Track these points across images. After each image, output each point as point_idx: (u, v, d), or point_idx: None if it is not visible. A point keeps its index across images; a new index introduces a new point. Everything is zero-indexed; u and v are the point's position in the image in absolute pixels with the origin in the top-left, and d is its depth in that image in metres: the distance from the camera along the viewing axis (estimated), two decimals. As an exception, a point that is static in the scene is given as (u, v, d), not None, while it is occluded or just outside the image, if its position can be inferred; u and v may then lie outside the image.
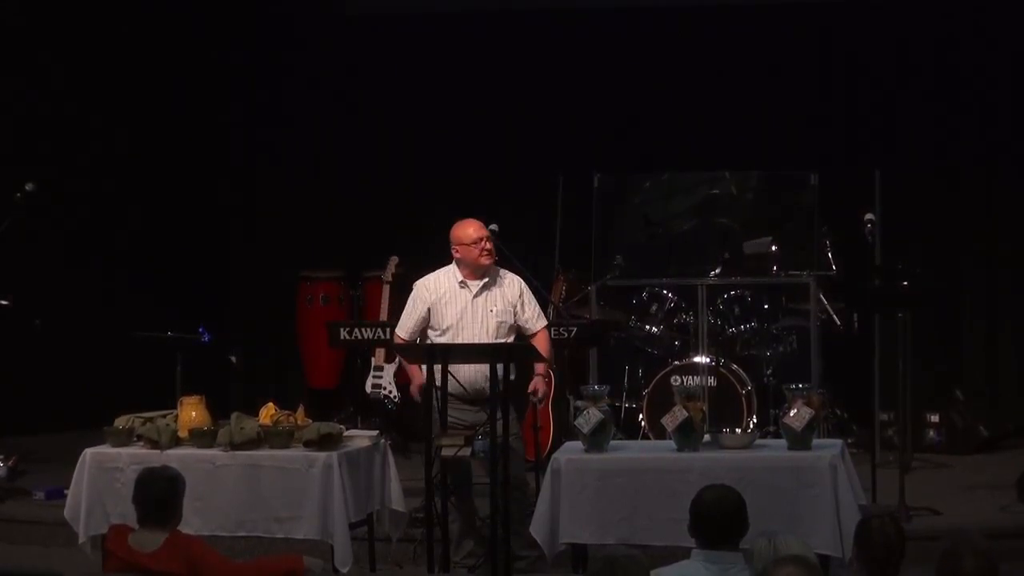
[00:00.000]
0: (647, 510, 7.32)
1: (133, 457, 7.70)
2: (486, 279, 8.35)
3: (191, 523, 7.15)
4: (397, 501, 8.00)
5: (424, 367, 7.98)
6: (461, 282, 8.33)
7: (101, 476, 7.76)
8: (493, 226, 9.35)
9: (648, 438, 9.95)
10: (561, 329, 9.15)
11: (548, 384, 8.57)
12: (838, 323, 10.76)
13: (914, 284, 9.55)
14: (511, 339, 8.33)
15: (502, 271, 8.46)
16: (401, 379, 11.11)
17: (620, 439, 8.78)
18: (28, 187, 10.15)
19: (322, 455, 7.52)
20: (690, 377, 10.33)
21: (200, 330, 9.82)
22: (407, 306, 8.46)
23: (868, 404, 10.02)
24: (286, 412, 7.90)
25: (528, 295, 8.46)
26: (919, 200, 11.71)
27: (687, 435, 7.47)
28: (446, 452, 7.88)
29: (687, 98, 11.81)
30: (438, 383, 7.92)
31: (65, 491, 8.06)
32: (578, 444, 7.66)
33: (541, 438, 9.47)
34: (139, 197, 12.24)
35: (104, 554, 6.66)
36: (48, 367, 11.67)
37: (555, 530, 7.48)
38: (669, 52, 11.90)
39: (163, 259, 12.20)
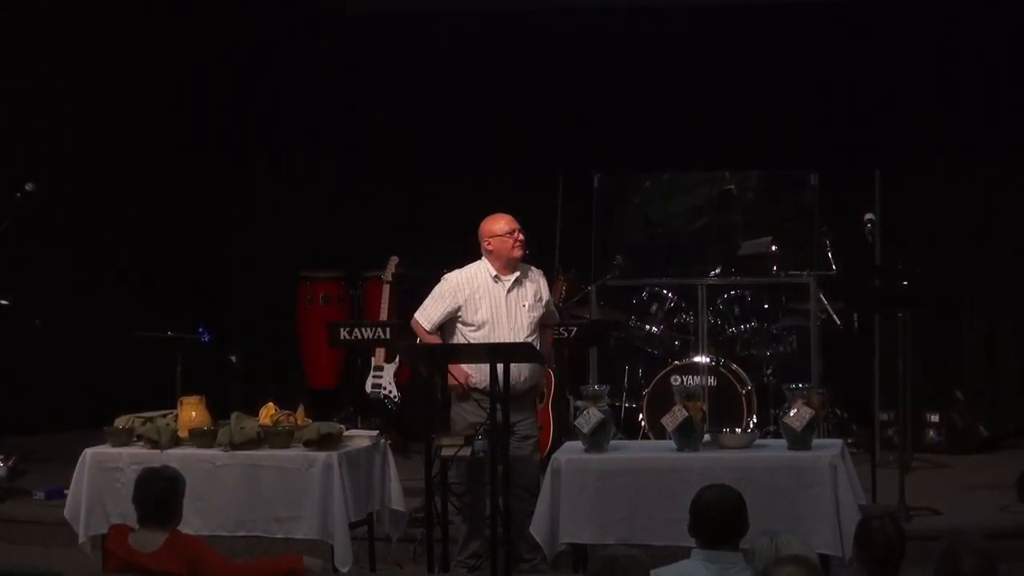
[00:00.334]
0: (647, 510, 7.32)
1: (133, 457, 7.70)
2: (517, 273, 8.38)
3: (191, 523, 7.15)
4: (397, 501, 8.00)
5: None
6: (495, 277, 8.34)
7: (101, 476, 7.76)
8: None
9: (648, 438, 9.95)
10: (561, 329, 9.15)
11: (548, 383, 8.58)
12: (838, 323, 10.76)
13: (914, 284, 9.55)
14: (538, 334, 8.36)
15: (524, 264, 8.48)
16: (402, 379, 11.13)
17: (620, 439, 8.79)
18: (28, 187, 10.16)
19: (322, 455, 7.52)
20: (690, 377, 10.32)
21: (200, 330, 9.82)
22: (435, 296, 8.37)
23: (868, 404, 10.02)
24: (286, 412, 7.90)
25: (547, 287, 8.54)
26: (919, 200, 11.71)
27: (687, 435, 7.47)
28: (446, 452, 7.88)
29: (687, 98, 11.81)
30: (480, 386, 8.03)
31: (65, 491, 8.06)
32: (578, 444, 7.66)
33: (541, 438, 9.47)
34: (139, 197, 12.23)
35: (104, 554, 6.66)
36: (48, 367, 11.67)
37: (555, 530, 7.48)
38: (669, 52, 11.90)
39: (163, 259, 12.20)
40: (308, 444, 7.60)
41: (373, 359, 11.17)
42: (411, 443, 10.68)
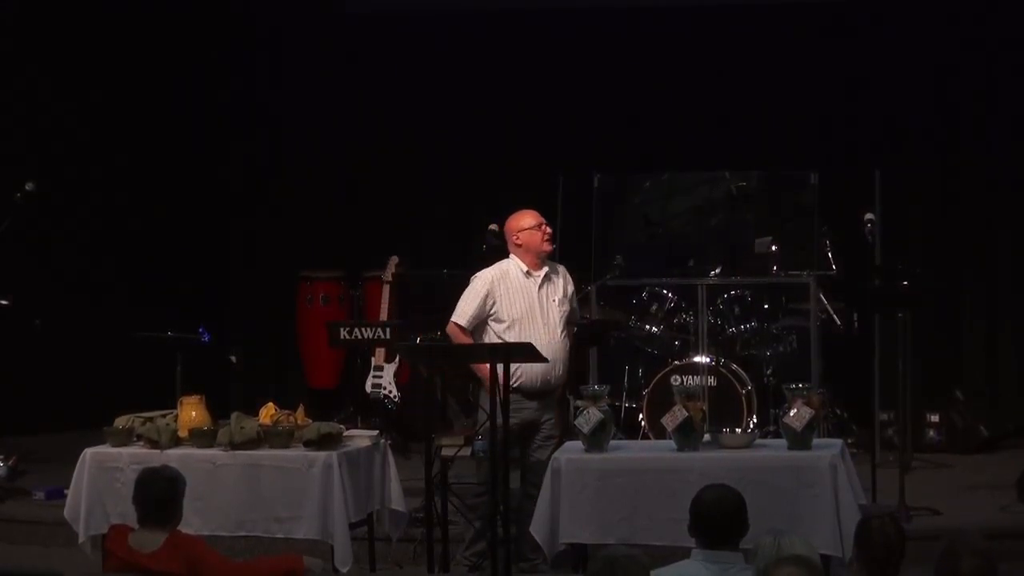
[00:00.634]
0: (647, 510, 7.32)
1: (133, 457, 7.69)
2: (546, 268, 8.41)
3: (191, 523, 7.15)
4: (397, 501, 8.00)
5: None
6: (526, 272, 8.37)
7: (101, 476, 7.76)
8: (493, 226, 9.36)
9: (648, 438, 9.95)
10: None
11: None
12: (838, 323, 10.76)
13: (914, 284, 9.55)
14: (567, 330, 8.42)
15: (551, 261, 8.52)
16: (402, 379, 11.13)
17: (620, 439, 8.78)
18: (28, 187, 10.15)
19: (322, 455, 7.52)
20: (690, 377, 10.31)
21: (200, 330, 9.82)
22: (469, 294, 8.35)
23: (868, 404, 10.02)
24: (286, 412, 7.90)
25: (572, 285, 8.60)
26: (919, 200, 11.72)
27: (687, 435, 7.47)
28: (446, 452, 7.88)
29: (687, 98, 11.81)
30: (512, 384, 8.01)
31: (65, 491, 8.06)
32: (578, 444, 7.66)
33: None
34: (139, 197, 12.23)
35: (104, 554, 6.66)
36: (48, 367, 11.67)
37: (555, 530, 7.47)
38: (669, 52, 11.90)
39: (163, 259, 12.20)
40: (308, 444, 7.60)
41: (373, 359, 11.17)
42: (411, 443, 10.68)
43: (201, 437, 7.73)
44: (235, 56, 12.65)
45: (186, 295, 11.88)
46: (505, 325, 8.29)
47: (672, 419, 7.47)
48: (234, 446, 7.64)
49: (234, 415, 7.90)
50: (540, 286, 8.37)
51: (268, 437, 7.68)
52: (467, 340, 8.29)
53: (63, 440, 10.40)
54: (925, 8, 11.72)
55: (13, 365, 11.32)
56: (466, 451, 7.93)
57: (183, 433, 7.81)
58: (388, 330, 9.05)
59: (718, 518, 5.73)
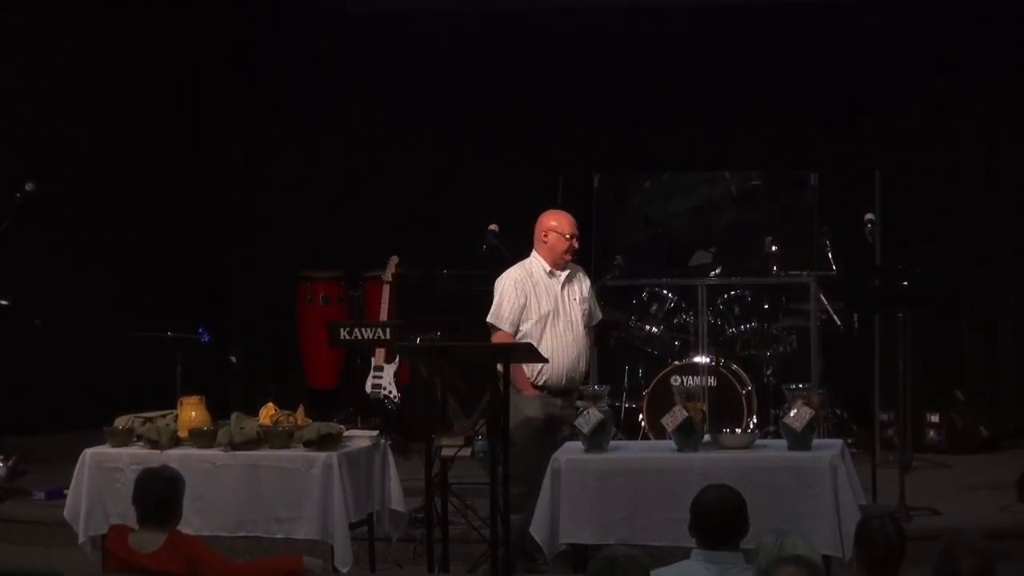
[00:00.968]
0: (647, 510, 7.32)
1: (133, 457, 7.70)
2: (568, 270, 8.53)
3: (191, 523, 7.15)
4: (397, 501, 8.00)
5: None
6: (549, 272, 8.45)
7: (101, 476, 7.76)
8: (493, 226, 9.37)
9: (648, 438, 9.95)
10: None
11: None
12: (838, 323, 10.76)
13: (914, 284, 9.54)
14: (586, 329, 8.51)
15: (572, 264, 8.60)
16: (402, 379, 11.13)
17: (620, 439, 8.79)
18: (28, 187, 10.15)
19: (322, 455, 7.52)
20: (690, 377, 10.32)
21: (200, 330, 9.82)
22: (504, 298, 8.40)
23: (868, 404, 10.02)
24: (286, 412, 7.90)
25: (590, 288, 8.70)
26: (919, 200, 11.72)
27: (687, 435, 7.47)
28: (446, 452, 7.88)
29: (687, 98, 11.81)
30: (538, 382, 8.17)
31: (65, 491, 8.06)
32: (578, 444, 7.66)
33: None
34: (139, 197, 12.23)
35: (104, 554, 6.66)
36: (48, 367, 11.67)
37: (555, 530, 7.47)
38: (669, 52, 11.90)
39: (163, 259, 12.20)
40: (308, 444, 7.60)
41: (373, 359, 11.17)
42: (411, 443, 10.68)
43: (201, 437, 7.73)
44: (235, 56, 12.65)
45: (186, 295, 11.87)
46: (532, 323, 8.35)
47: (672, 419, 7.47)
48: (234, 446, 7.64)
49: (234, 415, 7.90)
50: (563, 286, 8.46)
51: (268, 437, 7.68)
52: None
53: (63, 440, 10.39)
54: (925, 8, 11.71)
55: (13, 365, 11.32)
56: (466, 451, 7.93)
57: (183, 433, 7.81)
58: (388, 330, 9.05)
59: (718, 518, 5.73)
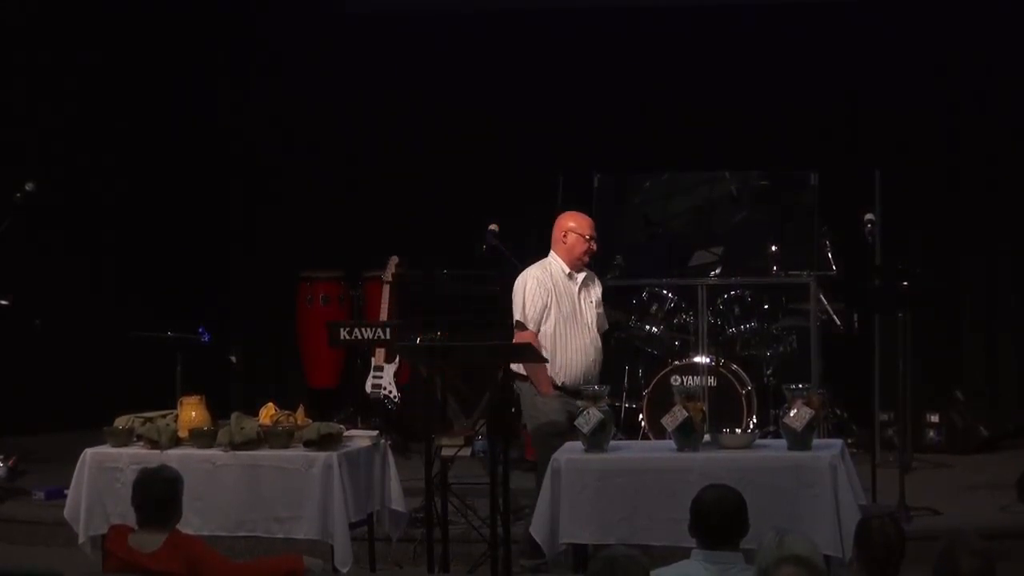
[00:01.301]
0: (647, 510, 7.31)
1: (133, 457, 7.69)
2: (584, 273, 8.58)
3: (191, 523, 7.15)
4: (397, 501, 8.00)
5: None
6: (568, 274, 8.50)
7: (101, 476, 7.75)
8: (493, 226, 9.37)
9: (648, 438, 9.95)
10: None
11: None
12: (838, 323, 10.76)
13: (914, 284, 9.55)
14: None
15: (587, 269, 8.65)
16: (402, 379, 11.13)
17: (620, 439, 8.79)
18: (28, 187, 10.16)
19: (322, 455, 7.52)
20: (690, 377, 10.33)
21: (200, 330, 9.82)
22: (526, 298, 8.43)
23: (868, 404, 10.02)
24: (286, 412, 7.89)
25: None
26: (919, 200, 11.72)
27: (687, 435, 7.47)
28: (446, 452, 7.89)
29: (687, 98, 11.81)
30: (556, 382, 8.20)
31: (65, 491, 8.05)
32: (578, 444, 7.66)
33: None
34: (139, 197, 12.24)
35: (104, 554, 6.66)
36: (48, 367, 11.67)
37: (555, 530, 7.47)
38: (669, 52, 11.90)
39: (163, 259, 12.20)
40: (308, 444, 7.59)
41: (373, 359, 11.17)
42: (411, 443, 10.68)
43: (201, 437, 7.73)
44: (235, 56, 12.65)
45: (186, 295, 11.88)
46: (552, 323, 8.39)
47: (672, 419, 7.47)
48: (234, 446, 7.64)
49: (234, 415, 7.90)
50: (579, 289, 8.52)
51: (268, 437, 7.68)
52: (538, 344, 8.37)
53: (63, 440, 10.39)
54: (925, 8, 11.71)
55: (13, 365, 11.32)
56: (466, 451, 7.93)
57: (183, 433, 7.80)
58: (388, 330, 9.05)
59: (718, 518, 5.73)
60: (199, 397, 7.97)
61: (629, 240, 11.17)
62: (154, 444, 7.74)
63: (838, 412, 10.65)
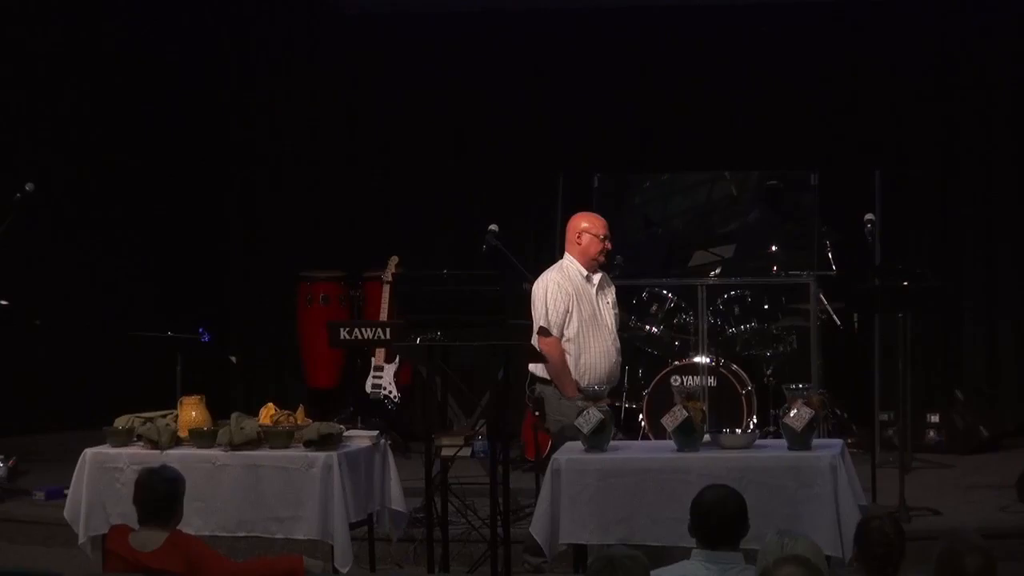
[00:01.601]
0: (647, 510, 7.31)
1: (133, 457, 7.69)
2: (600, 275, 8.60)
3: (191, 523, 7.14)
4: (397, 501, 8.00)
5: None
6: (586, 276, 8.51)
7: (101, 476, 7.75)
8: (493, 226, 9.36)
9: (648, 438, 9.95)
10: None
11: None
12: (838, 323, 10.76)
13: (914, 284, 9.55)
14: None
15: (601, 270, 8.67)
16: (402, 379, 11.13)
17: (620, 439, 8.78)
18: (28, 187, 10.15)
19: (322, 455, 7.52)
20: (690, 377, 10.33)
21: (200, 330, 9.82)
22: (548, 304, 8.43)
23: (868, 404, 10.02)
24: (286, 412, 7.89)
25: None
26: (919, 200, 11.72)
27: (687, 435, 7.47)
28: (446, 452, 7.89)
29: (687, 98, 11.81)
30: (583, 385, 8.17)
31: (65, 491, 8.05)
32: (578, 444, 7.66)
33: (541, 438, 9.47)
34: (139, 197, 12.24)
35: (104, 554, 6.66)
36: (48, 367, 11.67)
37: (555, 530, 7.47)
38: (669, 52, 11.90)
39: (163, 259, 12.20)
40: (308, 444, 7.59)
41: (373, 359, 11.18)
42: (411, 443, 10.68)
43: (201, 437, 7.73)
44: (234, 56, 12.65)
45: (186, 295, 11.88)
46: (575, 327, 8.41)
47: (672, 419, 7.47)
48: (234, 446, 7.63)
49: (234, 415, 7.89)
50: (597, 290, 8.53)
51: (268, 437, 7.68)
52: (564, 355, 8.38)
53: (63, 440, 10.40)
54: (925, 8, 11.71)
55: (13, 365, 11.32)
56: (466, 451, 7.93)
57: (183, 433, 7.80)
58: (388, 330, 9.05)
59: (718, 518, 5.73)
60: (199, 397, 7.97)
61: (629, 240, 11.17)
62: (154, 444, 7.74)
63: (838, 412, 10.64)
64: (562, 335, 8.42)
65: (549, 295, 8.44)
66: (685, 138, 11.76)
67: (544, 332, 8.41)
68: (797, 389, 7.54)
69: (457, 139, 12.09)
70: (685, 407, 7.47)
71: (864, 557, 5.44)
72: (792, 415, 7.41)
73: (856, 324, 10.74)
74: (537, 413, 8.60)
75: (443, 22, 12.27)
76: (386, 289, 11.15)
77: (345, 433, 7.82)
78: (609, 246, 8.61)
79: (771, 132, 11.65)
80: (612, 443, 7.68)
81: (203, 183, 12.53)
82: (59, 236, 11.91)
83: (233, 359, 11.34)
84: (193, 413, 7.89)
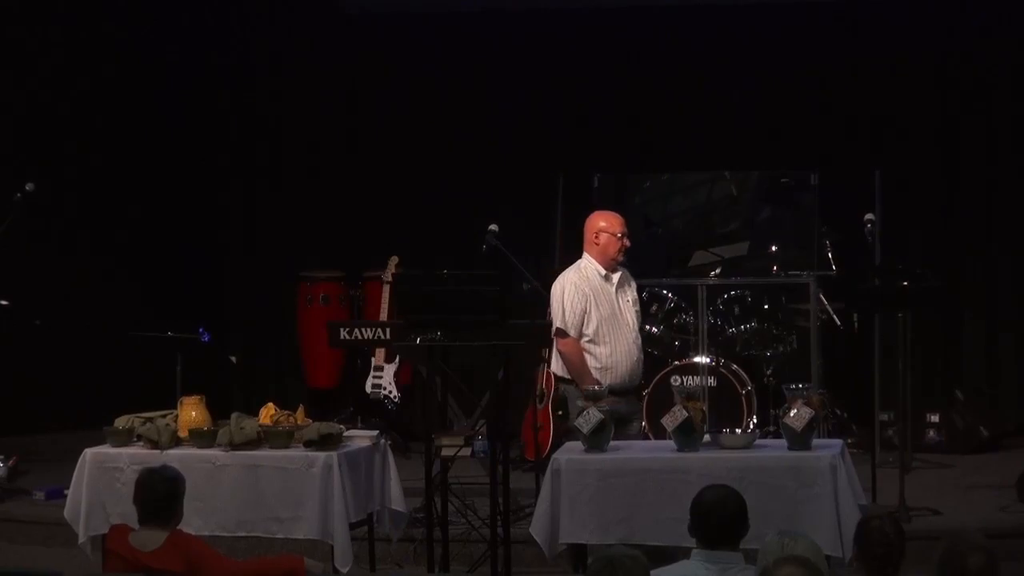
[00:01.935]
0: (647, 510, 7.31)
1: (133, 457, 7.69)
2: (620, 272, 8.58)
3: (191, 523, 7.14)
4: (397, 501, 8.00)
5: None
6: (604, 275, 8.50)
7: (101, 476, 7.75)
8: (493, 226, 9.36)
9: (648, 438, 9.95)
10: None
11: (548, 383, 8.61)
12: (838, 323, 10.76)
13: (914, 284, 9.55)
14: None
15: (621, 266, 8.65)
16: (402, 379, 11.13)
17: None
18: (28, 187, 10.16)
19: (322, 455, 7.52)
20: (690, 377, 10.34)
21: (200, 330, 9.82)
22: (565, 305, 8.44)
23: (868, 404, 10.02)
24: (286, 412, 7.89)
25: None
26: (919, 200, 11.72)
27: (687, 435, 7.47)
28: (446, 452, 7.89)
29: (687, 98, 11.81)
30: (604, 384, 8.12)
31: (65, 491, 8.05)
32: (578, 444, 7.66)
33: (541, 438, 9.47)
34: (139, 197, 12.23)
35: (104, 554, 6.66)
36: (48, 367, 11.66)
37: (555, 530, 7.47)
38: (669, 52, 11.90)
39: (163, 259, 12.20)
40: (308, 444, 7.59)
41: (373, 359, 11.17)
42: (411, 443, 10.68)
43: (201, 437, 7.73)
44: (234, 56, 12.65)
45: (186, 295, 11.88)
46: (594, 327, 8.41)
47: (672, 419, 7.47)
48: (234, 446, 7.64)
49: (234, 415, 7.90)
50: (616, 289, 8.52)
51: (268, 437, 7.68)
52: (582, 354, 8.37)
53: (63, 440, 10.40)
54: (925, 7, 11.71)
55: (13, 365, 11.31)
56: (466, 451, 7.93)
57: (183, 433, 7.80)
58: (388, 330, 9.05)
59: (718, 518, 5.72)
60: (199, 397, 7.97)
61: (629, 240, 11.16)
62: (154, 444, 7.74)
63: (838, 412, 10.65)
64: (581, 335, 8.42)
65: (566, 296, 8.44)
66: (685, 138, 11.76)
67: (561, 333, 8.41)
68: (797, 389, 7.54)
69: (457, 139, 12.08)
70: (685, 407, 7.47)
71: (864, 557, 5.44)
72: (792, 415, 7.41)
73: (856, 324, 10.74)
74: (560, 412, 8.61)
75: (443, 22, 12.27)
76: (386, 289, 11.14)
77: (345, 433, 7.82)
78: (627, 243, 8.57)
79: (771, 132, 11.65)
80: (612, 443, 7.68)
81: (203, 183, 12.53)
82: (59, 236, 11.90)
83: (233, 359, 11.34)
84: (193, 413, 7.89)
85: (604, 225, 8.54)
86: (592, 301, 8.43)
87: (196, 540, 6.68)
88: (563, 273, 8.60)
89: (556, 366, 8.57)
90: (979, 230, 11.81)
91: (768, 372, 10.72)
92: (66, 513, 7.89)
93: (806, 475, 7.24)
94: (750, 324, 10.79)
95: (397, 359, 11.11)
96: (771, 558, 5.14)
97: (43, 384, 11.65)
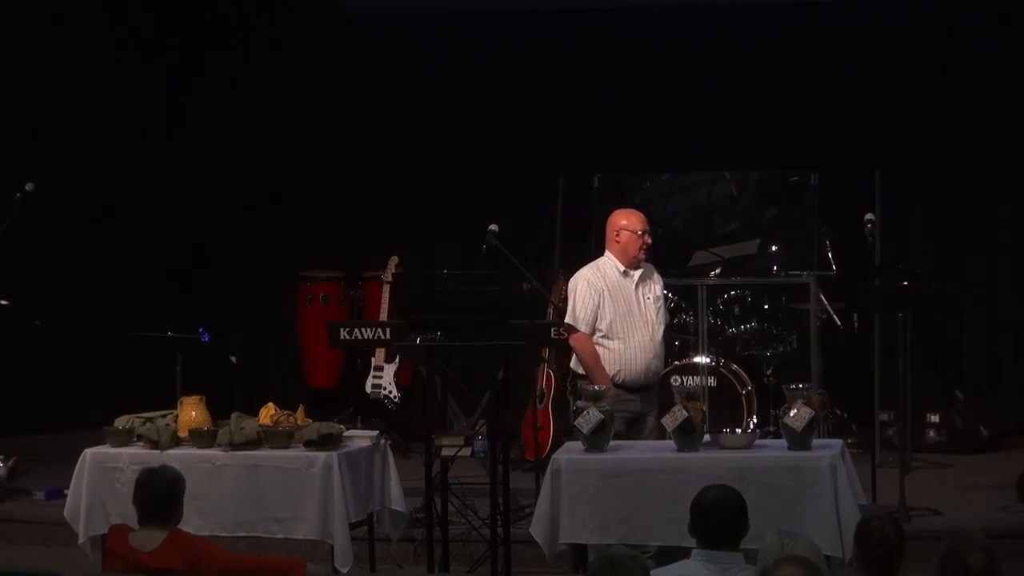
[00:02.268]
0: (647, 510, 7.31)
1: (133, 457, 7.69)
2: (641, 269, 8.57)
3: (191, 523, 7.14)
4: (397, 501, 8.00)
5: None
6: (624, 272, 8.48)
7: (101, 476, 7.75)
8: (493, 226, 9.35)
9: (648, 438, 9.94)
10: (561, 330, 9.16)
11: (548, 383, 8.61)
12: (838, 323, 10.76)
13: (914, 284, 9.55)
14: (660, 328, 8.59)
15: (646, 263, 8.65)
16: (402, 379, 11.12)
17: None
18: (28, 187, 10.15)
19: (322, 455, 7.52)
20: (690, 377, 10.33)
21: (200, 330, 9.81)
22: (577, 300, 8.47)
23: (868, 404, 10.02)
24: (286, 412, 7.90)
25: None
26: (919, 200, 11.72)
27: (687, 435, 7.47)
28: (446, 452, 7.89)
29: (687, 98, 11.81)
30: (616, 380, 8.19)
31: (65, 491, 8.05)
32: (578, 444, 7.66)
33: (541, 438, 9.48)
34: (139, 197, 12.23)
35: (104, 554, 6.65)
36: (48, 367, 11.66)
37: (555, 530, 7.47)
38: (669, 52, 11.90)
39: (163, 259, 12.19)
40: (308, 444, 7.60)
41: (373, 359, 11.17)
42: (411, 443, 10.68)
43: (201, 437, 7.73)
44: (234, 56, 12.65)
45: (186, 295, 11.87)
46: (607, 323, 8.41)
47: (672, 419, 7.47)
48: (234, 446, 7.64)
49: (234, 415, 7.90)
50: (636, 286, 8.50)
51: (268, 437, 7.68)
52: (593, 348, 8.36)
53: (63, 440, 10.40)
54: (925, 7, 11.71)
55: (13, 365, 11.31)
56: (466, 451, 7.93)
57: (183, 433, 7.81)
58: (388, 330, 9.05)
59: (718, 518, 5.72)
60: (199, 397, 7.98)
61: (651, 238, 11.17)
62: (154, 444, 7.74)
63: (838, 412, 10.65)
64: (594, 331, 8.42)
65: (579, 292, 8.47)
66: (685, 138, 11.75)
67: (571, 328, 8.41)
68: (797, 389, 7.55)
69: (457, 139, 12.08)
70: (685, 407, 7.47)
71: (864, 557, 5.44)
72: (792, 415, 7.41)
73: (856, 324, 10.74)
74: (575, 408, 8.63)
75: (443, 22, 12.27)
76: (386, 289, 11.14)
77: (345, 433, 7.83)
78: (649, 240, 8.56)
79: (771, 132, 11.65)
80: (612, 443, 7.68)
81: (203, 183, 12.53)
82: (59, 236, 11.90)
83: (233, 359, 11.34)
84: (193, 413, 7.89)
85: (625, 223, 8.54)
86: (607, 297, 8.42)
87: (196, 537, 6.68)
88: (580, 270, 8.61)
89: (573, 362, 8.58)
90: (979, 230, 11.81)
91: (768, 372, 10.72)
92: (66, 513, 7.89)
93: (806, 475, 7.24)
94: (750, 324, 10.79)
95: (397, 359, 11.11)
96: (771, 558, 5.14)
97: (43, 384, 11.65)
